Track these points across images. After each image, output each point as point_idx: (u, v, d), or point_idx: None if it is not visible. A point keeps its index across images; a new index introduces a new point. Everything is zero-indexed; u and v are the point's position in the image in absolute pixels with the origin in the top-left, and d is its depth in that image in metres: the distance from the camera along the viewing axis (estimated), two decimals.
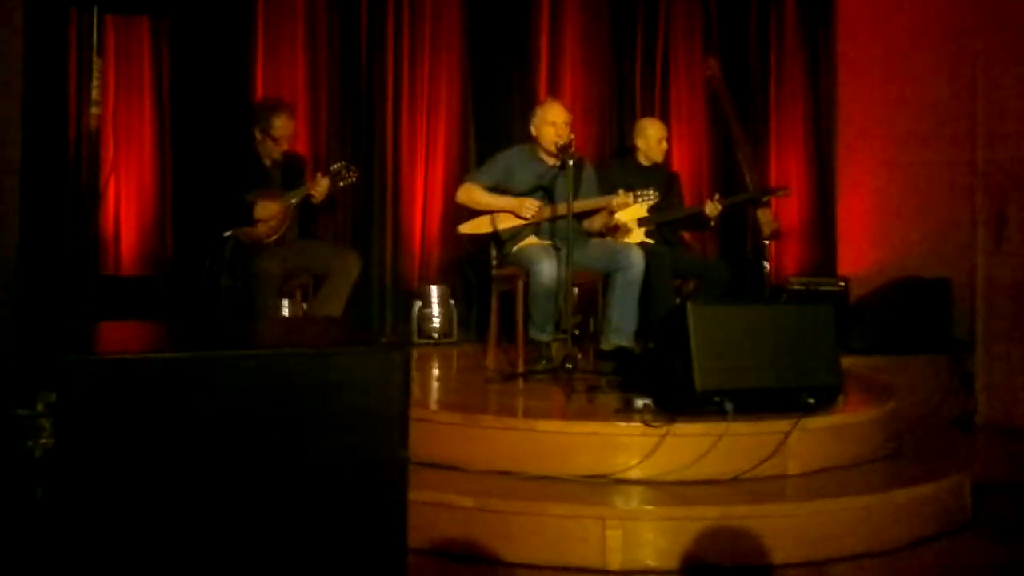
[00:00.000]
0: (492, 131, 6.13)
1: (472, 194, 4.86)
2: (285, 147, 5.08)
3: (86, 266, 4.80)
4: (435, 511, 3.31)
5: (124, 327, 2.91)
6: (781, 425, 3.63)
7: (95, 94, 4.71)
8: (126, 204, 5.60)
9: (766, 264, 5.88)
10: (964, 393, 5.51)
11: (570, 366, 4.18)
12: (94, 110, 4.75)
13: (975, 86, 5.71)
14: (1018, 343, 5.49)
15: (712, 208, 5.28)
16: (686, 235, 5.82)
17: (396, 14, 6.06)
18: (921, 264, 5.92)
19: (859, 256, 6.34)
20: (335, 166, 5.09)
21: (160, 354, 2.24)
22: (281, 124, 5.01)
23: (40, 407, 2.04)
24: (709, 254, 6.29)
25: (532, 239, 4.80)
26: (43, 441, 2.03)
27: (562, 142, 4.56)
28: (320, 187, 4.94)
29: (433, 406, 4.14)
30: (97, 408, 2.07)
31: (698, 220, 5.45)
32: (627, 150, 5.76)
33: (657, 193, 4.81)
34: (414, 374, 4.70)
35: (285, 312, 5.07)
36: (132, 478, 2.10)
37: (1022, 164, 5.56)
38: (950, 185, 5.86)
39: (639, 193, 4.71)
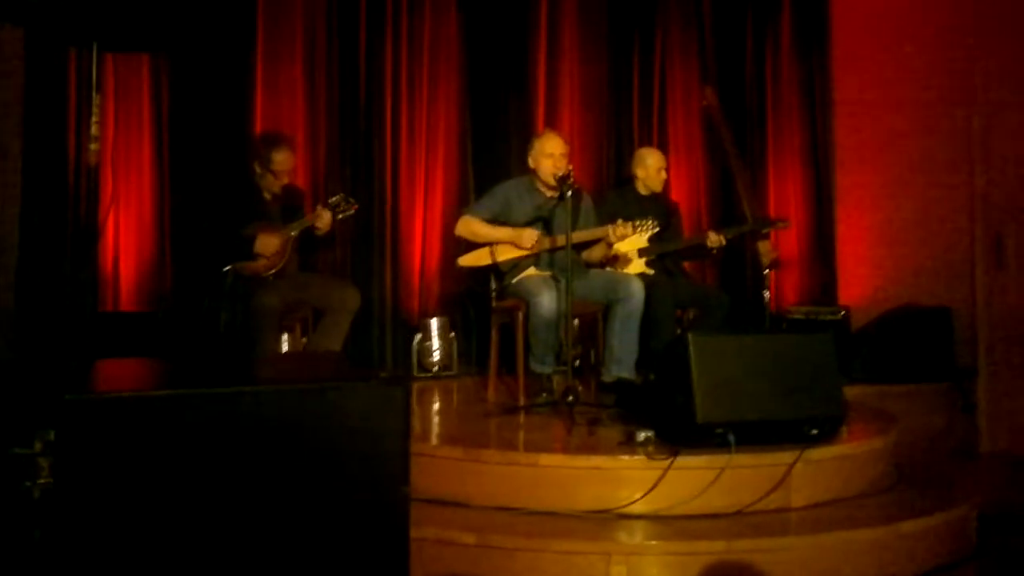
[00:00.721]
0: (490, 163, 6.14)
1: (471, 226, 4.86)
2: (285, 181, 5.08)
3: (85, 302, 4.79)
4: (437, 548, 3.28)
5: (123, 364, 2.90)
6: (784, 457, 3.61)
7: (94, 130, 4.71)
8: (125, 240, 5.59)
9: (766, 294, 5.87)
10: (967, 421, 5.50)
11: (571, 398, 4.17)
12: (93, 146, 4.75)
13: (972, 116, 5.74)
14: (1020, 369, 5.47)
15: (715, 240, 5.28)
16: (685, 264, 5.82)
17: (394, 47, 6.08)
18: (921, 292, 5.92)
19: (859, 284, 6.34)
20: (334, 199, 5.09)
21: (159, 392, 2.23)
22: (281, 158, 5.02)
23: (38, 446, 2.02)
24: (709, 283, 6.29)
25: (532, 271, 4.79)
26: (41, 481, 2.02)
27: (560, 173, 4.57)
28: (323, 219, 4.95)
29: (434, 440, 4.11)
30: (96, 447, 2.06)
31: (699, 250, 5.46)
32: (625, 180, 5.77)
33: (656, 222, 4.80)
34: (414, 408, 4.68)
35: (285, 346, 5.05)
36: (132, 517, 2.09)
37: (1018, 192, 5.57)
38: (948, 213, 5.87)
39: (638, 223, 4.70)
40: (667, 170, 5.60)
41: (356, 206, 5.12)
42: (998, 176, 5.65)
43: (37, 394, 2.16)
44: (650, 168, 5.47)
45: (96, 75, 4.68)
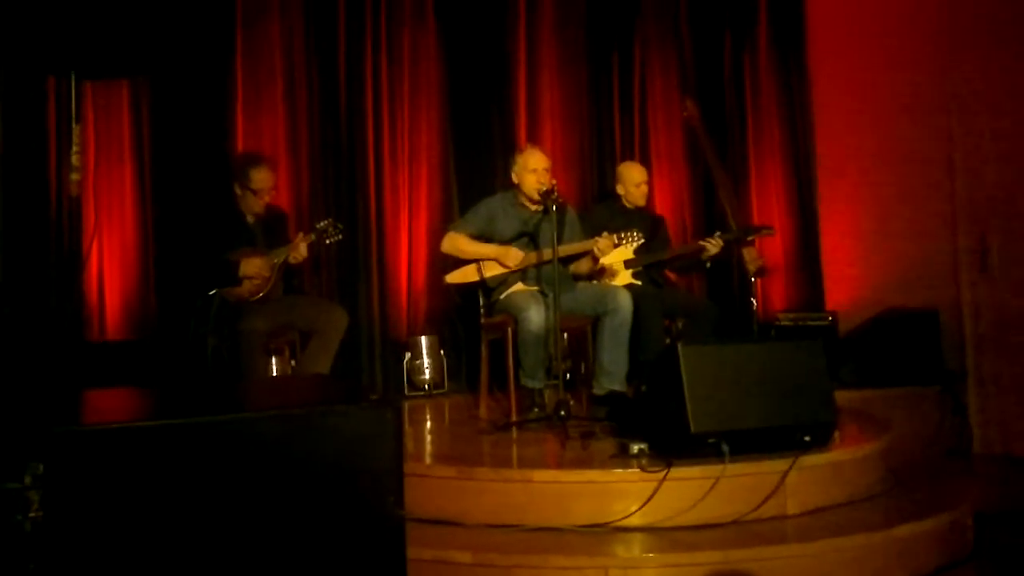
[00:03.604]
0: (474, 180, 6.15)
1: (456, 243, 4.86)
2: (266, 200, 5.05)
3: (71, 333, 4.75)
4: (435, 568, 3.26)
5: (110, 395, 2.89)
6: (778, 465, 3.60)
7: (75, 160, 4.69)
8: (109, 268, 5.56)
9: (753, 301, 5.87)
10: (959, 423, 5.51)
11: (563, 413, 4.15)
12: (74, 176, 4.74)
13: (952, 118, 5.77)
14: (1008, 370, 5.49)
15: (715, 244, 5.23)
16: (671, 275, 5.82)
17: (375, 66, 6.08)
18: (907, 295, 5.94)
19: (846, 289, 6.36)
20: (321, 224, 5.07)
21: (148, 422, 2.21)
22: (261, 177, 4.99)
23: (28, 480, 2.00)
24: (696, 293, 6.29)
25: (519, 286, 4.79)
26: (32, 514, 2.00)
27: (544, 188, 4.57)
28: (299, 251, 4.92)
29: (427, 460, 4.09)
30: (86, 479, 2.05)
31: (692, 259, 5.43)
32: (609, 194, 5.78)
33: (640, 234, 4.80)
34: (407, 428, 4.65)
35: (273, 370, 5.02)
36: (125, 548, 2.07)
37: (1000, 194, 5.60)
38: (931, 216, 5.90)
39: (623, 235, 4.71)
40: (649, 183, 5.59)
41: (343, 233, 5.10)
42: (980, 178, 5.67)
43: (25, 427, 2.13)
44: (628, 183, 5.48)
45: (75, 103, 4.66)
